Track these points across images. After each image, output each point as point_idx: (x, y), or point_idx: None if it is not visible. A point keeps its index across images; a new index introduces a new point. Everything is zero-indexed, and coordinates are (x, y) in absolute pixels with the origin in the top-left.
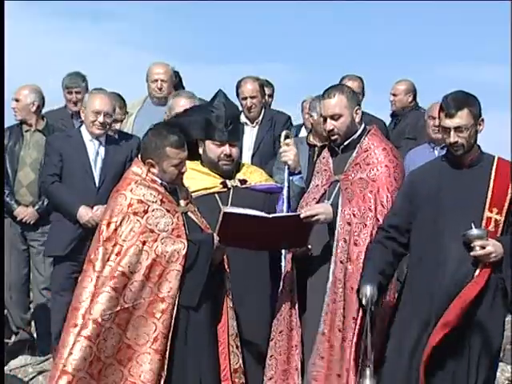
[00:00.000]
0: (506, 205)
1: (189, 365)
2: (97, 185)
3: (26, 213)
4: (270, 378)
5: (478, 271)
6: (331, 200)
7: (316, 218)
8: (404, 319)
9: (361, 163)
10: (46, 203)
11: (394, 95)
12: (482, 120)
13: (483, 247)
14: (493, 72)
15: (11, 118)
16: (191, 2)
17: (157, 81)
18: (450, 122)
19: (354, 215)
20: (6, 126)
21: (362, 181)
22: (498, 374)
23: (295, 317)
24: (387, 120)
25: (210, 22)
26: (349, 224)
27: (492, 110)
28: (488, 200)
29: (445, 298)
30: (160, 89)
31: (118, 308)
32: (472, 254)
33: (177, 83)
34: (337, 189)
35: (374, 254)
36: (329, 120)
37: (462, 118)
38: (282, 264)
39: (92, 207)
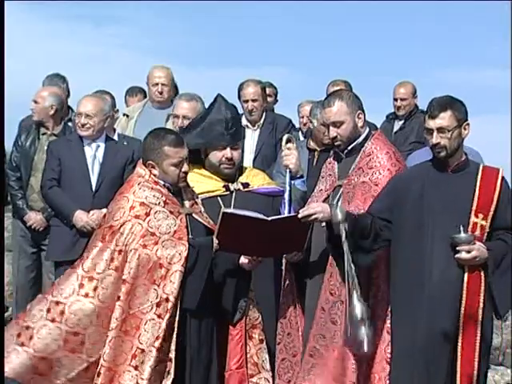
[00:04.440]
0: (492, 211)
1: (190, 366)
2: (93, 189)
3: (35, 219)
4: (289, 381)
5: (466, 275)
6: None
7: (314, 217)
8: (397, 321)
9: (364, 167)
10: None
11: (402, 100)
12: (468, 124)
13: (469, 252)
14: (493, 74)
15: (21, 114)
16: (191, 1)
17: (157, 84)
18: (432, 123)
19: None
20: (19, 120)
21: (364, 184)
22: (497, 377)
23: (300, 318)
24: (384, 122)
25: (210, 23)
26: None
27: (492, 112)
28: (474, 205)
29: (436, 300)
30: (160, 92)
31: (124, 316)
32: (457, 256)
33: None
34: (340, 193)
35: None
36: (331, 128)
37: (444, 119)
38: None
39: (88, 211)
